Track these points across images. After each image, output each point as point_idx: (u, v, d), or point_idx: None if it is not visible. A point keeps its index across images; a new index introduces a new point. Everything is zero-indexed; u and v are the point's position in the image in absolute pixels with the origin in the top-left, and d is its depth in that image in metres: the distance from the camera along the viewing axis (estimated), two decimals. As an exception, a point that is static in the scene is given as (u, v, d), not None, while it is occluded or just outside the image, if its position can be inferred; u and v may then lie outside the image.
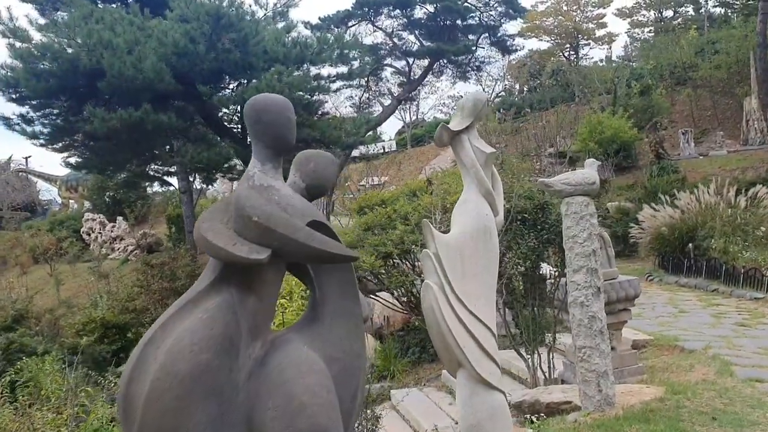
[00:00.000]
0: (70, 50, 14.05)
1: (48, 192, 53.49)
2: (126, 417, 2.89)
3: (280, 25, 16.92)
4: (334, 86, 18.35)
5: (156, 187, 32.06)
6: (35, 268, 34.01)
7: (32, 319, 22.54)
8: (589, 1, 42.08)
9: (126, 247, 34.08)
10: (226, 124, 17.61)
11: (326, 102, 19.81)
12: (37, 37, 14.12)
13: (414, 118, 52.95)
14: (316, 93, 17.17)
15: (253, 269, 3.06)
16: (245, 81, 15.09)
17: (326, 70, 17.72)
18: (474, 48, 26.78)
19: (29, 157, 50.01)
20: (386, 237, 10.25)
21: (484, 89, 34.62)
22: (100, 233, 35.83)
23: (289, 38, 15.41)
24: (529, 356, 7.60)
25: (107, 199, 37.26)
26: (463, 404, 4.66)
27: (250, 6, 16.65)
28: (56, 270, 29.72)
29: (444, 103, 49.04)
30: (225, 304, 3.02)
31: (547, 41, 43.85)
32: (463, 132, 4.93)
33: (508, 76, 41.91)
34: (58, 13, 15.24)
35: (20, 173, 51.09)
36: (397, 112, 49.10)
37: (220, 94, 15.09)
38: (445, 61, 26.89)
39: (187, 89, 15.49)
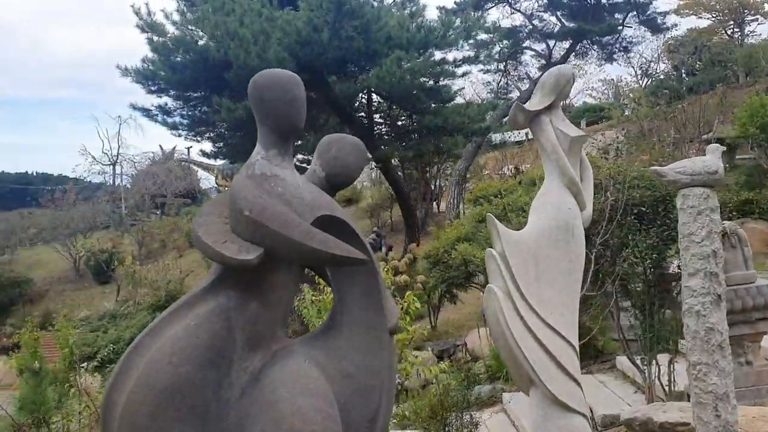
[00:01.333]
0: (201, 42, 14.53)
1: (207, 180, 56.52)
2: (104, 426, 2.62)
3: (411, 10, 16.49)
4: (460, 71, 17.66)
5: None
6: (190, 252, 36.09)
7: (185, 299, 23.86)
8: (759, -29, 37.80)
9: (269, 232, 35.30)
10: (353, 113, 17.54)
11: (456, 87, 19.21)
12: (171, 30, 14.74)
13: (561, 103, 50.60)
14: (441, 78, 16.65)
15: (259, 270, 2.68)
16: (368, 68, 14.84)
17: (453, 54, 17.13)
18: (620, 27, 24.88)
19: (190, 147, 53.48)
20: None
21: (635, 72, 32.28)
22: (249, 221, 37.30)
23: (414, 23, 14.94)
24: (645, 366, 6.68)
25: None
26: (535, 428, 4.04)
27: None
28: (209, 254, 31.23)
29: (593, 87, 46.40)
30: (217, 310, 2.65)
31: (708, 18, 39.92)
32: (544, 112, 4.26)
33: (663, 58, 38.76)
34: (192, 6, 15.81)
35: (182, 162, 54.41)
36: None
37: (345, 82, 14.91)
38: (589, 42, 25.23)
39: (312, 78, 15.55)
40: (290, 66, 13.86)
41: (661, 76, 36.73)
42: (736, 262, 6.63)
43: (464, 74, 17.93)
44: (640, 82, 32.32)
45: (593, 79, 44.54)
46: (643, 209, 6.45)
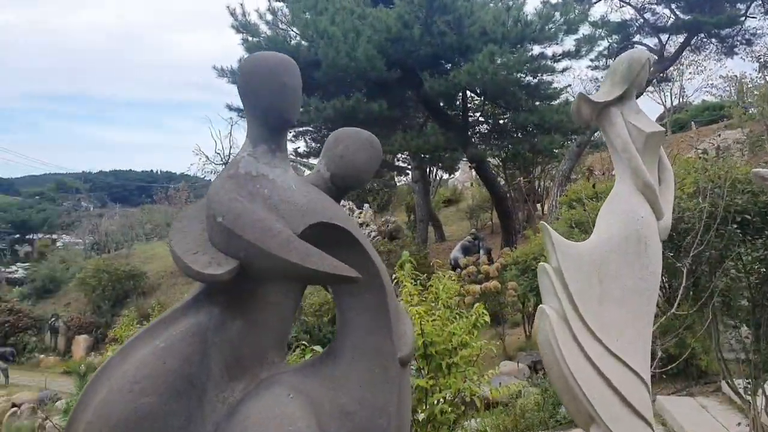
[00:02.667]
0: (293, 42, 14.53)
1: (310, 179, 56.97)
2: None
3: (506, 3, 15.78)
4: (560, 66, 16.71)
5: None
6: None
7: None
8: None
9: (370, 233, 35.46)
10: (447, 110, 17.04)
11: (560, 84, 18.24)
12: (265, 30, 14.82)
13: (678, 101, 47.78)
14: (540, 74, 15.82)
15: (246, 284, 2.32)
16: (461, 65, 14.29)
17: (553, 49, 16.22)
18: (743, 19, 22.83)
19: (298, 148, 54.43)
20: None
21: (764, 66, 29.64)
22: (349, 219, 37.56)
23: (510, 17, 14.26)
24: (749, 396, 5.82)
25: (356, 187, 39.00)
26: (596, 473, 3.44)
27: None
28: (309, 253, 31.73)
29: (712, 84, 43.27)
30: (193, 330, 2.30)
31: None
32: (614, 104, 3.65)
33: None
34: (283, 5, 15.85)
35: (291, 163, 55.46)
36: (656, 95, 44.80)
37: (436, 79, 14.44)
38: (706, 36, 23.35)
39: (405, 76, 15.21)
40: (379, 63, 13.62)
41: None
42: None
43: (564, 70, 17.01)
44: (767, 78, 29.67)
45: (713, 75, 41.60)
46: (748, 217, 5.60)
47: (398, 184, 39.19)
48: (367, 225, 36.08)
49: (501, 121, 18.14)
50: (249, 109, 2.42)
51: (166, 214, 38.70)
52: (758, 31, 24.13)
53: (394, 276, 6.16)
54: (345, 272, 2.23)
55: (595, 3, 24.21)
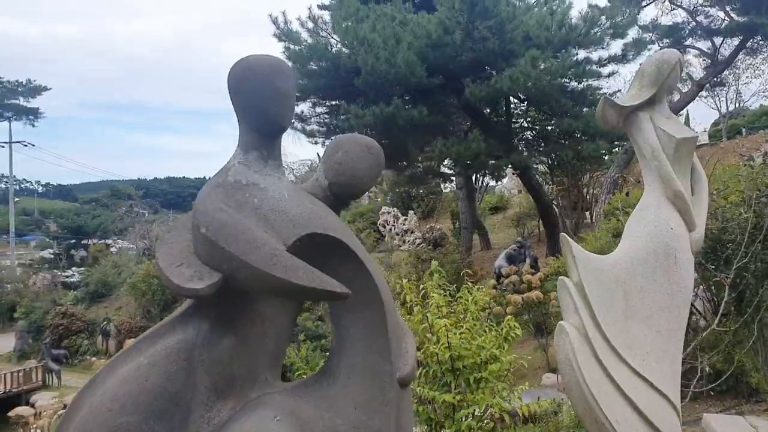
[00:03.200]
0: (334, 50, 14.53)
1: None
2: None
3: (551, 7, 15.47)
4: (606, 71, 16.26)
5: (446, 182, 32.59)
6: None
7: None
8: None
9: (414, 240, 35.33)
10: (490, 117, 16.80)
11: (607, 90, 17.79)
12: (306, 38, 14.87)
13: (735, 106, 46.25)
14: (585, 79, 15.43)
15: (237, 298, 2.23)
16: (504, 70, 14.04)
17: (599, 54, 15.82)
18: (802, 19, 21.87)
19: None
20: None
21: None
22: (393, 226, 37.64)
23: (554, 21, 13.96)
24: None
25: (401, 194, 39.03)
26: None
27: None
28: (354, 258, 31.70)
29: (771, 88, 41.72)
30: (179, 347, 2.21)
31: None
32: (643, 108, 3.45)
33: None
34: (324, 13, 15.91)
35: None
36: (711, 100, 43.43)
37: (478, 85, 14.23)
38: (762, 38, 22.44)
39: (446, 82, 15.05)
40: (420, 70, 13.49)
41: None
42: None
43: (610, 74, 16.55)
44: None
45: (773, 78, 40.15)
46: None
47: (444, 191, 38.97)
48: (412, 232, 36.01)
49: (547, 128, 17.80)
50: (240, 114, 2.33)
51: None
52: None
53: (422, 287, 6.04)
54: (334, 288, 2.10)
55: (645, 6, 23.60)
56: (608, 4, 19.82)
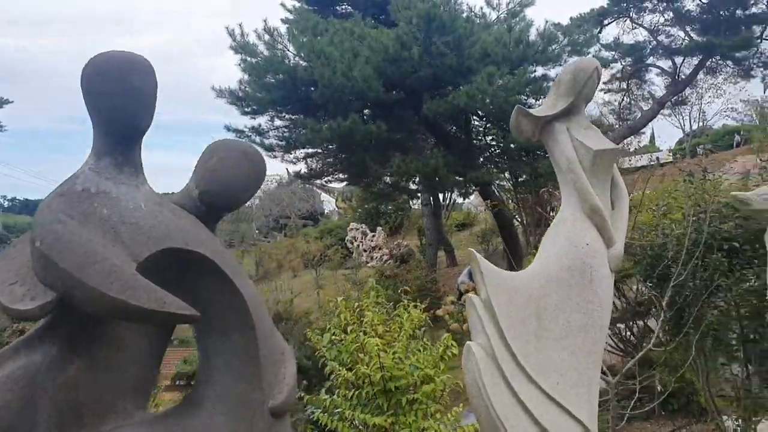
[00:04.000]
0: (291, 63, 14.37)
1: (329, 203, 57.74)
2: None
3: (509, 25, 15.49)
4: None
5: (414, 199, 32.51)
6: (304, 273, 36.57)
7: (292, 320, 23.98)
8: None
9: (382, 257, 35.14)
10: (449, 133, 16.72)
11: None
12: (263, 51, 14.68)
13: (698, 125, 47.12)
14: (542, 96, 15.43)
15: (91, 320, 2.00)
16: (462, 86, 13.98)
17: (557, 71, 15.84)
18: (758, 41, 22.30)
19: (300, 170, 54.77)
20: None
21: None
22: (361, 242, 37.42)
23: (512, 38, 13.96)
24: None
25: (370, 210, 38.92)
26: None
27: (467, 5, 15.51)
28: (320, 275, 31.55)
29: (733, 108, 42.61)
30: (20, 374, 1.96)
31: None
32: (559, 119, 3.31)
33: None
34: (281, 25, 15.76)
35: (306, 185, 55.82)
36: (675, 119, 44.18)
37: (436, 101, 14.15)
38: (721, 58, 22.84)
39: (407, 97, 14.95)
40: (377, 84, 13.36)
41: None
42: None
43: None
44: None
45: (733, 99, 41.03)
46: (737, 244, 5.16)
47: (413, 207, 38.92)
48: (380, 248, 35.81)
49: (511, 145, 17.78)
50: (92, 115, 2.10)
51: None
52: (775, 54, 23.58)
53: (356, 305, 5.83)
54: (179, 311, 1.88)
55: (607, 25, 23.91)
56: (570, 23, 20.05)
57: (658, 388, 7.73)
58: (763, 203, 3.95)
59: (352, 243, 37.62)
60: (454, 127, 16.63)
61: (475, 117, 16.19)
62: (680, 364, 6.08)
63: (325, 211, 57.49)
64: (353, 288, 28.51)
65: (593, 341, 3.11)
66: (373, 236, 36.88)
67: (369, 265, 34.20)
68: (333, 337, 5.59)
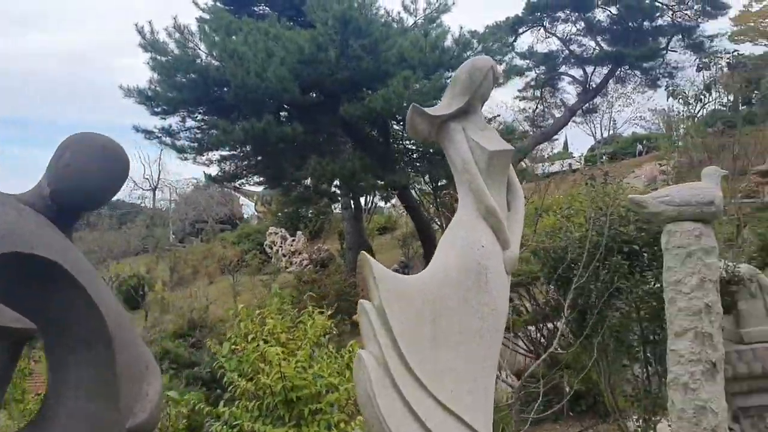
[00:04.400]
0: (202, 62, 13.95)
1: (249, 207, 56.70)
2: None
3: (425, 30, 15.56)
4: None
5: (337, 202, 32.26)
6: (221, 279, 35.72)
7: (207, 327, 23.26)
8: (819, -4, 35.65)
9: (302, 261, 34.71)
10: (367, 136, 16.64)
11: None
12: (173, 49, 14.19)
13: (609, 133, 48.97)
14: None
15: None
16: (378, 90, 13.93)
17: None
18: (664, 52, 23.39)
19: (211, 174, 53.87)
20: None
21: (686, 99, 30.18)
22: (280, 247, 36.85)
23: (427, 43, 14.02)
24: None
25: (290, 214, 38.42)
26: None
27: (384, 9, 15.52)
28: (238, 281, 30.85)
29: (641, 116, 44.59)
30: None
31: (765, 45, 37.99)
32: (455, 118, 3.22)
33: (719, 87, 36.75)
34: (191, 24, 15.31)
35: (224, 188, 54.70)
36: (587, 127, 45.76)
37: (353, 104, 14.04)
38: (629, 68, 23.82)
39: (325, 100, 14.77)
40: (292, 86, 13.12)
41: (718, 106, 34.84)
42: (757, 314, 5.37)
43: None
44: (691, 111, 30.55)
45: (642, 108, 42.92)
46: (636, 247, 5.25)
47: (335, 211, 38.66)
48: (300, 253, 35.34)
49: (430, 149, 17.85)
50: None
51: (88, 242, 37.12)
52: (679, 65, 24.83)
53: (257, 312, 5.62)
54: (8, 324, 1.65)
55: (522, 33, 24.53)
56: (486, 30, 20.37)
57: (566, 389, 7.85)
58: (659, 206, 3.99)
59: (271, 248, 37.00)
60: (374, 131, 16.54)
61: (393, 120, 16.17)
62: (585, 365, 6.16)
63: (245, 216, 56.45)
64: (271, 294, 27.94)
65: (488, 346, 3.03)
66: (293, 241, 36.40)
67: (288, 270, 33.70)
68: (233, 346, 5.35)
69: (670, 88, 25.39)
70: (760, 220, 19.50)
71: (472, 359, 2.98)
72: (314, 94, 14.19)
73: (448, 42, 14.72)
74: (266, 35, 13.88)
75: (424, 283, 3.00)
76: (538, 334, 9.03)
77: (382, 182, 15.63)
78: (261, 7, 19.17)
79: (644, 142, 37.78)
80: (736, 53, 24.87)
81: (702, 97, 26.36)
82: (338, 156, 14.16)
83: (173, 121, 15.40)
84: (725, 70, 25.71)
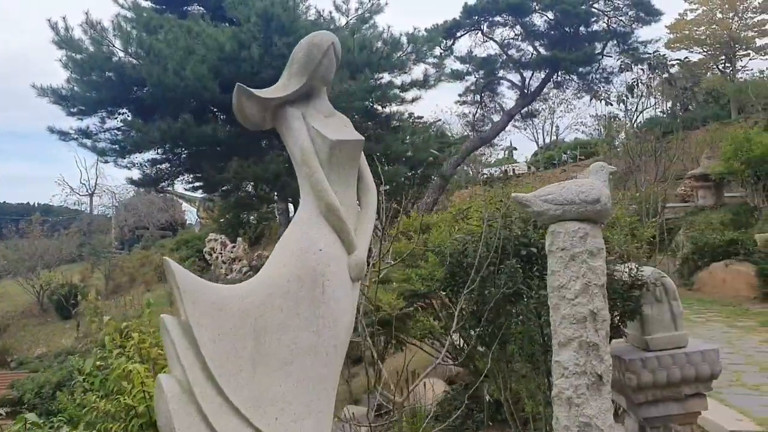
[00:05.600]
0: (118, 59, 13.26)
1: (191, 213, 55.51)
2: None
3: (359, 31, 15.19)
4: (409, 96, 16.24)
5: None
6: (158, 287, 34.75)
7: (141, 338, 22.31)
8: (749, 7, 36.78)
9: (242, 268, 33.90)
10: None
11: (423, 115, 17.84)
12: (88, 46, 13.45)
13: (553, 138, 49.63)
14: (389, 103, 15.26)
15: None
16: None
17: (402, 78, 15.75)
18: (600, 57, 23.55)
19: (132, 177, 52.76)
20: (414, 271, 8.01)
21: (624, 105, 30.50)
22: (220, 253, 35.94)
23: (355, 42, 13.62)
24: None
25: (231, 220, 37.59)
26: None
27: (315, 9, 15.12)
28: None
29: (582, 122, 45.35)
30: None
31: (699, 53, 38.99)
32: (294, 103, 2.80)
33: (657, 93, 37.54)
34: (106, 22, 14.56)
35: (165, 194, 53.45)
36: (530, 132, 46.21)
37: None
38: (566, 73, 23.90)
39: (249, 100, 14.18)
40: (212, 84, 12.56)
41: (657, 112, 35.57)
42: (662, 320, 5.10)
43: (414, 100, 16.53)
44: (630, 117, 31.07)
45: (583, 114, 43.62)
46: (535, 250, 4.93)
47: (278, 216, 37.87)
48: (240, 260, 34.53)
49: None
50: None
51: (18, 250, 35.64)
52: (614, 70, 25.05)
53: (124, 324, 5.11)
54: None
55: (460, 37, 24.35)
56: (425, 33, 20.14)
57: (486, 398, 7.55)
58: (542, 204, 3.65)
59: (211, 255, 36.07)
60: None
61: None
62: (493, 373, 5.85)
63: (187, 222, 55.14)
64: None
65: (324, 364, 2.61)
66: (233, 247, 35.56)
67: (228, 277, 32.89)
68: (99, 362, 4.82)
69: (598, 92, 25.70)
70: (692, 224, 19.74)
71: (304, 380, 2.56)
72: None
73: (380, 43, 14.35)
74: (188, 33, 13.29)
75: (246, 294, 2.57)
76: (462, 342, 8.72)
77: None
78: (195, 7, 18.52)
79: (578, 148, 38.46)
80: (656, 53, 25.24)
81: (624, 98, 26.72)
82: (261, 158, 13.63)
83: (91, 122, 14.63)
84: (647, 70, 26.12)
